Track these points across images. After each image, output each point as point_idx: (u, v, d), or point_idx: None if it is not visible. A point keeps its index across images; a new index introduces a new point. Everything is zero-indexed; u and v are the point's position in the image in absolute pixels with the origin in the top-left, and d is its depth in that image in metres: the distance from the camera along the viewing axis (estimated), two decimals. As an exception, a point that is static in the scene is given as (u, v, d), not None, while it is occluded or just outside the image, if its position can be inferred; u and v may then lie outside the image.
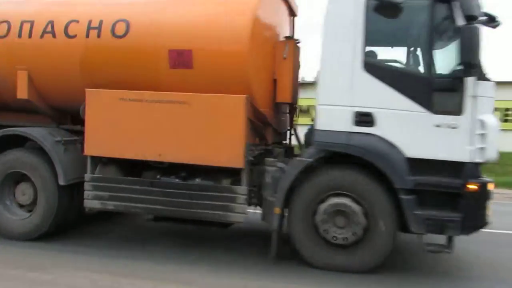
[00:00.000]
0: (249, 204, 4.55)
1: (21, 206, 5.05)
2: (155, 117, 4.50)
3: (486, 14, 3.96)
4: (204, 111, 4.37)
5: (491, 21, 4.05)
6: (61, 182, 4.76)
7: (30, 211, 4.98)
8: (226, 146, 4.32)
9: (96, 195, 4.75)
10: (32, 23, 4.99)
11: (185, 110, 4.39)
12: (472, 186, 3.90)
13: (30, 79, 5.00)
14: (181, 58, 4.54)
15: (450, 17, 3.93)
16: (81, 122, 4.89)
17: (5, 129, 5.05)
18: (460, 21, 3.81)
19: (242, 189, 4.37)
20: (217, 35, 4.46)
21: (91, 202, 4.79)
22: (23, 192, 5.01)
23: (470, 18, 3.71)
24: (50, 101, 5.28)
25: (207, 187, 4.51)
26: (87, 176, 4.76)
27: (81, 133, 4.89)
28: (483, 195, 3.96)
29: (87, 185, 4.75)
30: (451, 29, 4.01)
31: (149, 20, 4.72)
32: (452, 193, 3.98)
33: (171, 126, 4.47)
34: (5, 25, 5.08)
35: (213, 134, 4.36)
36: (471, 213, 3.97)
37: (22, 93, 5.03)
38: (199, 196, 4.45)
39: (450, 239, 4.07)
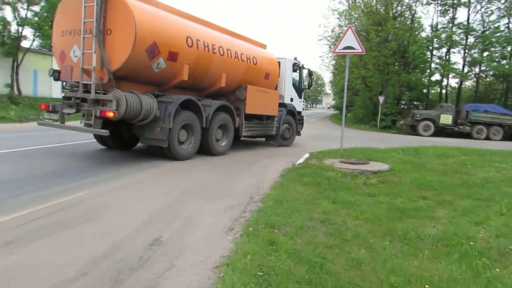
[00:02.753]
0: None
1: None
2: (262, 97, 11.15)
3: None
4: (272, 96, 11.72)
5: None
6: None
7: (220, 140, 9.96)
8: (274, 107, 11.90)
9: (246, 129, 10.74)
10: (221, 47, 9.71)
11: (267, 95, 11.36)
12: None
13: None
14: (267, 77, 11.52)
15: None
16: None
17: (221, 102, 9.79)
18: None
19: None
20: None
21: (245, 132, 10.73)
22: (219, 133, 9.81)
23: (310, 74, 14.37)
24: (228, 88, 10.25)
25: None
26: (245, 123, 10.61)
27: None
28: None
29: (244, 125, 10.59)
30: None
31: (258, 58, 11.20)
32: None
33: (263, 100, 11.19)
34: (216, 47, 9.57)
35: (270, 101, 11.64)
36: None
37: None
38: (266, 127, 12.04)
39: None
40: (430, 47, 32.16)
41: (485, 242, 3.99)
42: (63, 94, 8.13)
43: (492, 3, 31.08)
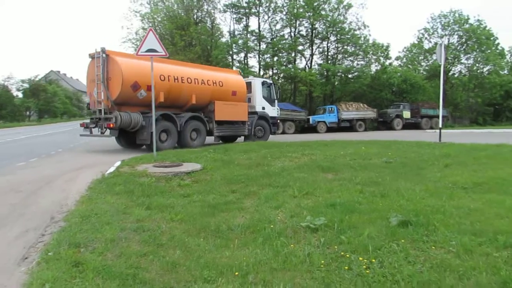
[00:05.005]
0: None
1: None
2: (230, 108, 15.88)
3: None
4: (240, 107, 16.50)
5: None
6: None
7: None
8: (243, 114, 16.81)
9: (218, 131, 15.62)
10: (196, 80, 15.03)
11: (235, 106, 16.12)
12: None
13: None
14: (234, 94, 16.30)
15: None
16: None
17: (192, 114, 14.80)
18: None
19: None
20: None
21: (217, 133, 15.64)
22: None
23: (277, 88, 19.80)
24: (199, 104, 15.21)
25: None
26: (216, 126, 15.43)
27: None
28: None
29: (215, 128, 15.42)
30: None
31: (224, 81, 16.08)
32: None
33: (231, 110, 15.92)
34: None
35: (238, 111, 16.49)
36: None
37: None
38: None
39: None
40: (230, 52, 35.00)
41: (282, 223, 4.55)
42: (91, 117, 13.76)
43: (276, 14, 35.95)
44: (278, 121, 19.15)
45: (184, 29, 31.57)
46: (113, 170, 8.38)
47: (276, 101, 18.75)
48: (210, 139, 16.22)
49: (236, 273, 3.19)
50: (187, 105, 14.65)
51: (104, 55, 12.56)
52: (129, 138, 13.95)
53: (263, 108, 17.69)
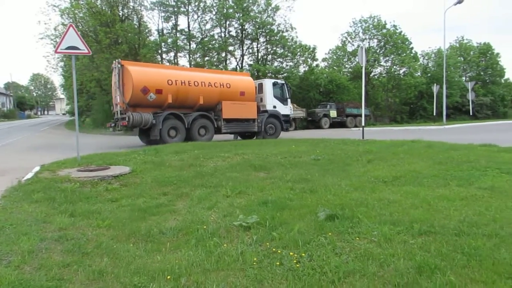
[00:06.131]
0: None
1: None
2: (238, 107, 17.52)
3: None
4: (248, 106, 18.06)
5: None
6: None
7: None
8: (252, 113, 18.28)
9: (226, 128, 17.35)
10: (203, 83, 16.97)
11: (243, 105, 17.76)
12: None
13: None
14: (242, 94, 17.90)
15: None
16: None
17: (199, 113, 16.78)
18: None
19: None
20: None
21: (225, 130, 17.37)
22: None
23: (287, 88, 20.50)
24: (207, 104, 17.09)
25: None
26: (224, 124, 17.19)
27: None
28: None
29: (223, 126, 17.19)
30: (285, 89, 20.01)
31: (231, 83, 17.88)
32: None
33: (239, 109, 17.55)
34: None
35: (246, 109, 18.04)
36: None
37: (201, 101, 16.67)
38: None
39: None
40: (160, 51, 34.10)
41: (215, 224, 4.54)
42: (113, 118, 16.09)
43: (206, 14, 35.74)
44: (291, 118, 20.72)
45: (109, 26, 30.13)
46: (31, 176, 7.74)
47: (289, 100, 19.88)
48: (223, 137, 18.40)
49: (168, 277, 3.12)
50: (196, 105, 16.51)
51: (119, 65, 15.08)
52: (148, 135, 16.02)
53: (274, 106, 18.98)
